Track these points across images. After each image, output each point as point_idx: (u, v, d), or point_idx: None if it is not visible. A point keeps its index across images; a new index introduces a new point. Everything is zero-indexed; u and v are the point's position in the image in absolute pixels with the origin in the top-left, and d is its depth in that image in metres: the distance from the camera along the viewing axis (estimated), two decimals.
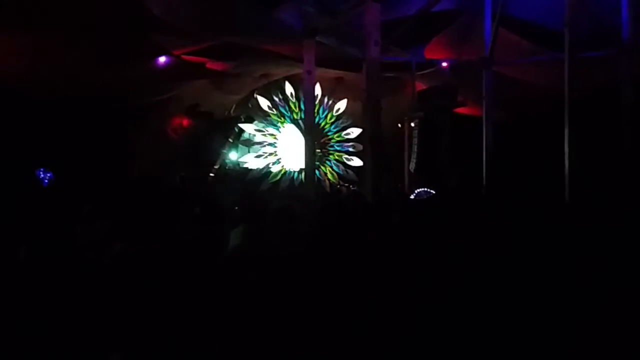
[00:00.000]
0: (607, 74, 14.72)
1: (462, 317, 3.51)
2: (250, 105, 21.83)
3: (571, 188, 11.83)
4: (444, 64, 19.11)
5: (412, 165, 20.84)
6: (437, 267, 4.08)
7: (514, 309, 3.49)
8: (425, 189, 16.89)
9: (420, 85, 19.96)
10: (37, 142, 18.44)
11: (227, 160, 22.50)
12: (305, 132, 16.99)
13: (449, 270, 3.99)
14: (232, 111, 23.06)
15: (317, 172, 19.55)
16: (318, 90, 19.75)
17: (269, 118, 21.39)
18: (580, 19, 12.22)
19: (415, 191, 17.04)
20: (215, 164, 22.41)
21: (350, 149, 22.07)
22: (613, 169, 14.14)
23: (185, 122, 22.31)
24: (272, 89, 21.45)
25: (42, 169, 19.71)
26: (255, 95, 21.57)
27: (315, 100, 18.11)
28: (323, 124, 21.86)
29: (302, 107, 18.74)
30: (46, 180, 19.47)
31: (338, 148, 22.15)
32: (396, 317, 3.51)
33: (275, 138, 21.52)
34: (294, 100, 21.41)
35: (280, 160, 21.52)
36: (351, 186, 21.19)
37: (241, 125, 21.85)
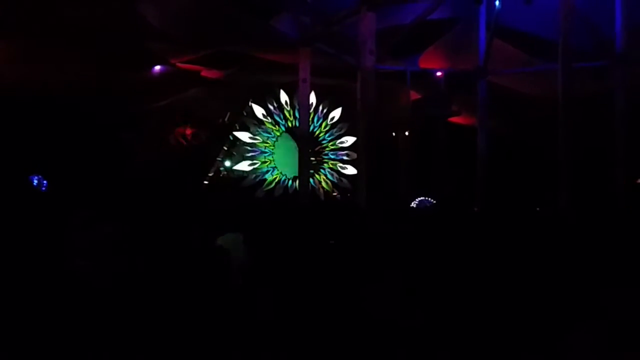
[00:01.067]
0: (600, 83, 14.81)
1: (456, 323, 3.53)
2: (244, 113, 21.82)
3: (565, 195, 11.89)
4: (439, 74, 19.17)
5: (406, 174, 20.87)
6: (433, 274, 4.10)
7: (509, 314, 3.51)
8: (426, 198, 16.92)
9: (415, 95, 20.02)
10: (33, 148, 18.41)
11: (221, 168, 22.50)
12: (300, 141, 17.02)
13: (445, 277, 4.01)
14: (226, 119, 23.06)
15: (311, 180, 19.54)
16: (313, 98, 19.78)
17: (263, 126, 21.39)
18: (574, 30, 12.31)
19: (417, 200, 17.08)
20: (209, 171, 22.41)
21: (345, 157, 22.08)
22: (606, 176, 14.22)
23: (188, 130, 22.32)
24: (267, 97, 21.45)
25: (36, 176, 19.67)
26: (250, 103, 21.57)
27: (310, 108, 18.14)
28: (318, 132, 21.87)
29: (297, 115, 18.76)
30: (43, 187, 19.44)
31: (332, 156, 22.15)
32: (388, 325, 3.53)
33: (269, 146, 21.52)
34: (288, 108, 21.42)
35: (274, 168, 21.51)
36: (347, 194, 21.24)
37: (236, 133, 21.85)
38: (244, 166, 21.49)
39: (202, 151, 22.21)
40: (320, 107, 21.70)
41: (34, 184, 19.69)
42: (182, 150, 22.03)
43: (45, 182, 19.80)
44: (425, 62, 18.85)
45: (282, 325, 3.46)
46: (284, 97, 21.35)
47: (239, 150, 21.75)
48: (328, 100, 21.66)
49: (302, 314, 3.55)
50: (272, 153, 21.54)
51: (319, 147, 21.90)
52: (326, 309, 3.59)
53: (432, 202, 16.44)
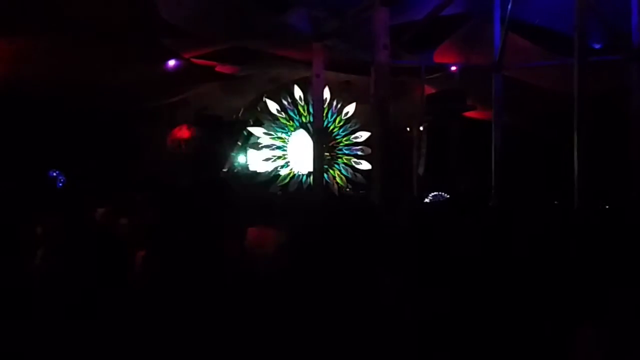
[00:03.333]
0: (616, 78, 14.69)
1: (465, 321, 3.53)
2: (258, 109, 21.86)
3: (580, 192, 11.81)
4: (453, 68, 19.09)
5: (421, 169, 20.84)
6: (442, 271, 4.09)
7: (518, 312, 3.50)
8: (440, 193, 16.89)
9: (430, 89, 19.96)
10: (48, 144, 18.52)
11: (235, 164, 22.54)
12: (314, 136, 17.03)
13: (454, 274, 4.00)
14: (240, 114, 23.11)
15: (325, 175, 19.55)
16: (327, 93, 19.76)
17: (277, 121, 21.42)
18: (590, 23, 12.22)
19: (430, 195, 17.04)
20: (223, 168, 22.44)
21: (359, 153, 22.07)
22: (622, 173, 14.12)
23: (185, 134, 22.24)
24: (280, 93, 21.47)
25: (54, 172, 19.77)
26: (264, 98, 21.60)
27: (324, 103, 18.14)
28: (332, 127, 21.86)
29: (311, 110, 18.78)
30: (60, 183, 19.54)
31: (347, 151, 22.15)
32: (399, 319, 3.52)
33: (283, 141, 21.54)
34: (302, 103, 21.43)
35: (288, 164, 21.54)
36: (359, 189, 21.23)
37: (250, 129, 21.90)
38: (257, 162, 21.54)
39: (212, 148, 22.20)
40: (334, 103, 21.68)
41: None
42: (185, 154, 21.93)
43: (62, 178, 19.91)
44: (440, 56, 18.77)
45: (293, 317, 3.47)
46: (297, 92, 21.36)
47: (253, 146, 21.79)
48: (342, 96, 21.64)
49: (314, 306, 3.55)
50: (286, 148, 21.56)
51: (333, 142, 21.90)
52: (338, 303, 3.59)
53: (446, 196, 16.40)
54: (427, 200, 16.67)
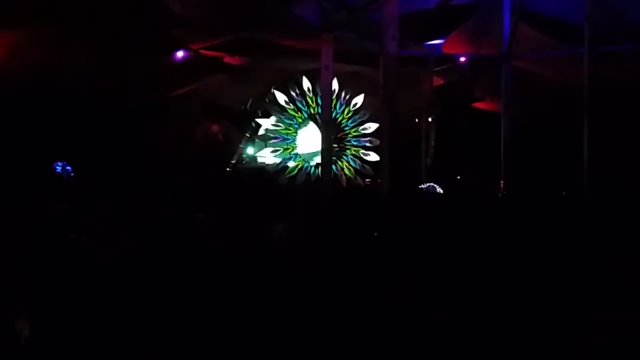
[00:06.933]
0: (627, 68, 14.61)
1: (475, 312, 3.52)
2: (267, 100, 21.82)
3: (590, 183, 11.78)
4: (462, 59, 19.01)
5: (429, 160, 20.80)
6: (452, 261, 4.09)
7: (527, 303, 3.50)
8: (432, 184, 16.82)
9: (438, 80, 19.89)
10: (56, 137, 18.57)
11: (244, 155, 22.55)
12: (322, 127, 17.02)
13: (463, 264, 4.00)
14: (248, 106, 23.08)
15: (333, 167, 19.51)
16: (335, 84, 19.71)
17: (286, 113, 21.38)
18: (600, 13, 12.15)
19: (425, 185, 17.00)
20: (232, 159, 22.48)
21: (367, 144, 21.98)
22: (633, 164, 14.06)
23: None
24: (289, 84, 21.42)
25: (60, 163, 19.78)
26: (272, 89, 21.57)
27: (332, 95, 18.10)
28: (340, 118, 21.79)
29: (319, 101, 18.74)
30: (66, 175, 19.57)
31: (355, 143, 22.07)
32: (409, 310, 3.52)
33: (292, 133, 21.51)
34: (311, 95, 21.36)
35: (297, 155, 21.51)
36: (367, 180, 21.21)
37: (258, 120, 21.89)
38: (266, 153, 21.54)
39: (226, 142, 22.30)
40: (343, 94, 21.61)
41: (58, 170, 19.82)
42: (209, 145, 22.17)
43: (69, 168, 19.94)
44: (449, 47, 18.70)
45: (301, 310, 3.47)
46: (306, 83, 21.30)
47: (261, 138, 21.80)
48: (350, 87, 21.58)
49: (323, 299, 3.55)
50: (295, 140, 21.54)
51: (342, 133, 21.84)
52: (347, 296, 3.58)
53: (438, 189, 16.30)
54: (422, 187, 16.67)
